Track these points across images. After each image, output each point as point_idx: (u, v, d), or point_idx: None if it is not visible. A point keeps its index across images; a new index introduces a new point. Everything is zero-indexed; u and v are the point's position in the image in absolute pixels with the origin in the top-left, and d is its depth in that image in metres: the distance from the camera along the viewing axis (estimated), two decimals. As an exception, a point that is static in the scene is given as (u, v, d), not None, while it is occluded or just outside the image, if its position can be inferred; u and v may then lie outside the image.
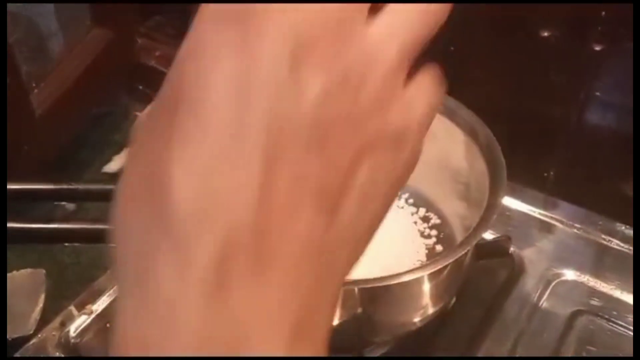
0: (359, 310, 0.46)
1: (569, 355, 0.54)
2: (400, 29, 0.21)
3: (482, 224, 0.46)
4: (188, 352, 0.18)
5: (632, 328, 0.56)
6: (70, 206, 0.73)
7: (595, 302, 0.58)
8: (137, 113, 0.86)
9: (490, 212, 0.46)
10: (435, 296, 0.49)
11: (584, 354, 0.54)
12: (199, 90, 0.19)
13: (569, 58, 0.60)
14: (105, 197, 0.53)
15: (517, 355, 0.53)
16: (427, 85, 0.23)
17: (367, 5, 0.21)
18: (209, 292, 0.18)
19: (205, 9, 0.20)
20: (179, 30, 0.86)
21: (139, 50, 0.85)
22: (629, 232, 0.63)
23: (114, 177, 0.76)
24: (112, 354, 0.19)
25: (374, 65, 0.20)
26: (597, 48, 0.58)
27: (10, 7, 0.70)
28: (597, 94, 0.60)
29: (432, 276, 0.46)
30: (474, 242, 0.46)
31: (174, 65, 0.20)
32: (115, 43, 0.79)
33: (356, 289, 0.45)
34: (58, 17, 0.78)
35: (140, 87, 0.87)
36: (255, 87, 0.19)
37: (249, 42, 0.19)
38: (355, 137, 0.20)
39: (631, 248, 0.62)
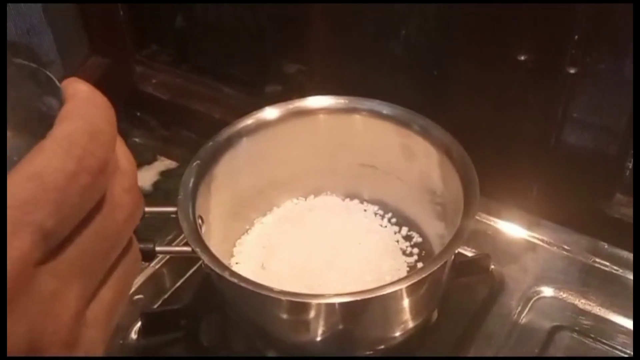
0: (340, 326, 0.48)
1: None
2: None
3: (456, 238, 0.47)
4: None
5: (616, 346, 0.57)
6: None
7: (576, 319, 0.59)
8: (135, 139, 0.88)
9: (464, 226, 0.47)
10: (415, 310, 0.50)
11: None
12: None
13: (545, 81, 0.62)
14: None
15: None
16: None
17: None
18: None
19: None
20: (175, 58, 0.88)
21: (136, 78, 0.87)
22: (612, 250, 0.64)
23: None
24: None
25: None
26: (572, 71, 0.59)
27: (10, 36, 0.72)
28: (574, 114, 0.62)
29: (410, 290, 0.47)
30: (450, 256, 0.48)
31: None
32: (113, 70, 0.82)
33: (337, 304, 0.46)
34: (57, 45, 0.80)
35: (138, 114, 0.89)
36: None
37: None
38: None
39: (615, 267, 0.63)
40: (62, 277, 0.21)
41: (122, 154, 0.25)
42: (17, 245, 0.20)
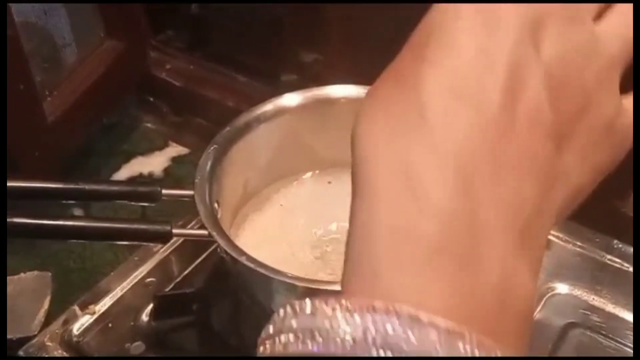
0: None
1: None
2: (624, 30, 0.25)
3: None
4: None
5: (627, 343, 0.57)
6: (78, 211, 0.75)
7: (589, 316, 0.59)
8: (147, 124, 0.88)
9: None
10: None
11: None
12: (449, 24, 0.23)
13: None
14: (113, 197, 0.55)
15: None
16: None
17: (595, 6, 0.25)
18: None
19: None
20: (190, 44, 0.88)
21: (150, 63, 0.87)
22: (625, 249, 0.64)
23: (122, 183, 0.77)
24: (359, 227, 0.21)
25: (597, 55, 0.24)
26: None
27: (28, 17, 0.72)
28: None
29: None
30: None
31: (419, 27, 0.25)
32: (127, 55, 0.81)
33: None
34: (72, 28, 0.80)
35: (151, 99, 0.89)
36: (499, 35, 0.22)
37: (489, 14, 0.23)
38: (578, 100, 0.24)
39: (627, 265, 0.63)
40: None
41: None
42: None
